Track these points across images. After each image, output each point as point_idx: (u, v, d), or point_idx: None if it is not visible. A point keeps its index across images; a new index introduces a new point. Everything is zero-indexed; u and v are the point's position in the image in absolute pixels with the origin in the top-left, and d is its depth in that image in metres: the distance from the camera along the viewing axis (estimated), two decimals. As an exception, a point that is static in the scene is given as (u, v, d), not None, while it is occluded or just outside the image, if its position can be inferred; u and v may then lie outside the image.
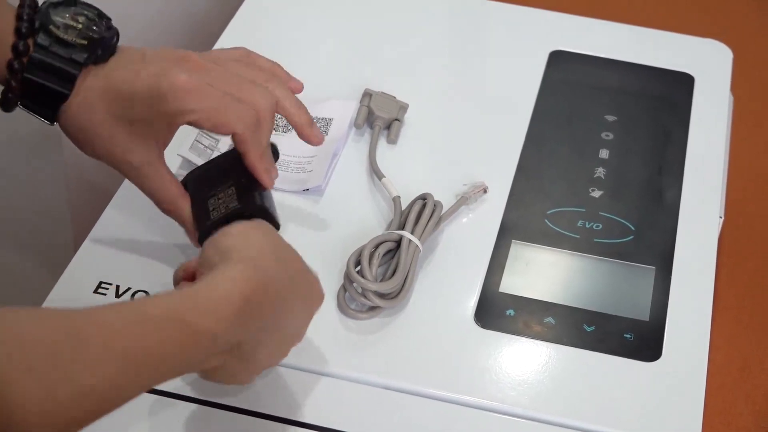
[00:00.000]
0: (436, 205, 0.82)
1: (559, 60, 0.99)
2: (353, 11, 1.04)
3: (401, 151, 0.90)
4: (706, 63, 1.00)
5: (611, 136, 0.92)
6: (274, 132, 0.88)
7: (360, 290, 0.77)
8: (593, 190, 0.87)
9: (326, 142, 0.87)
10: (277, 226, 0.73)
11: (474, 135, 0.92)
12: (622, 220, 0.85)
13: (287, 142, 0.86)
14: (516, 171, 0.88)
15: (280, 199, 0.83)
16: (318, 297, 0.69)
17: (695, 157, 0.90)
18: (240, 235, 0.66)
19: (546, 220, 0.84)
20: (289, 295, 0.66)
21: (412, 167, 0.88)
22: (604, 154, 0.90)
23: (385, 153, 0.89)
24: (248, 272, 0.62)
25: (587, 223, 0.84)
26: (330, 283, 0.78)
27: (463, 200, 0.84)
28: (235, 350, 0.63)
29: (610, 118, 0.94)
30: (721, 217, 0.87)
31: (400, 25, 1.03)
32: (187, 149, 0.85)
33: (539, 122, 0.93)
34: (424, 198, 0.82)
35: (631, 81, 0.98)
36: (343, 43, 1.00)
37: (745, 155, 1.01)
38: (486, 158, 0.90)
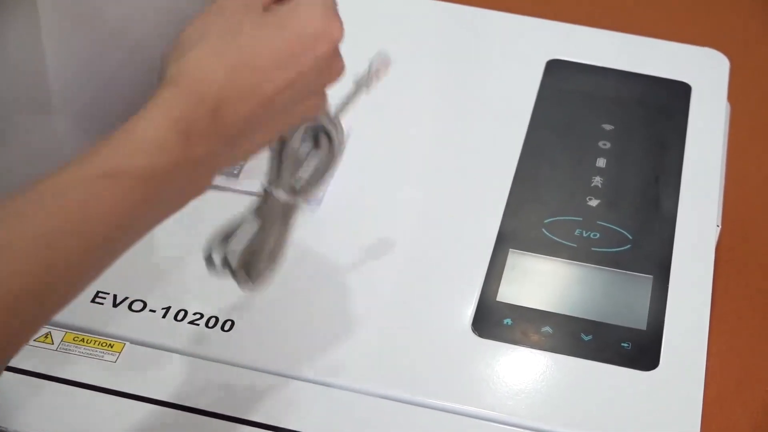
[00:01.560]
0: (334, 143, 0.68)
1: (556, 69, 0.99)
2: (348, 18, 1.04)
3: (398, 156, 0.90)
4: (703, 72, 1.00)
5: (608, 145, 0.92)
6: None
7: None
8: (590, 199, 0.87)
9: (323, 151, 0.87)
10: None
11: (470, 143, 0.92)
12: (620, 229, 0.85)
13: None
14: (513, 180, 0.88)
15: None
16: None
17: (692, 165, 0.90)
18: (178, 45, 0.59)
19: (543, 229, 0.84)
20: (264, 81, 0.58)
21: (409, 174, 0.89)
22: (601, 162, 0.90)
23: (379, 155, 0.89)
24: (177, 98, 0.56)
25: (584, 232, 0.84)
26: (329, 304, 0.78)
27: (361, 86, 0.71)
28: (227, 150, 0.58)
29: (607, 126, 0.94)
30: (718, 226, 0.87)
31: (395, 33, 1.03)
32: None
33: (536, 131, 0.93)
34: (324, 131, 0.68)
35: (628, 90, 0.98)
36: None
37: (743, 164, 1.01)
38: (483, 166, 0.90)
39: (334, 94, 0.67)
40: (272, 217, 0.67)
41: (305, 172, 0.68)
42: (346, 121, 0.91)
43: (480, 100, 0.96)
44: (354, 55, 0.99)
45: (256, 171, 0.85)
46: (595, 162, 0.90)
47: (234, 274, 0.68)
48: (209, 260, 0.68)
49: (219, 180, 0.84)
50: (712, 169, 0.90)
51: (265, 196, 0.67)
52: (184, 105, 0.56)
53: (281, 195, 0.67)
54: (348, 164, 0.89)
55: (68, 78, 0.98)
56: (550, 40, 1.02)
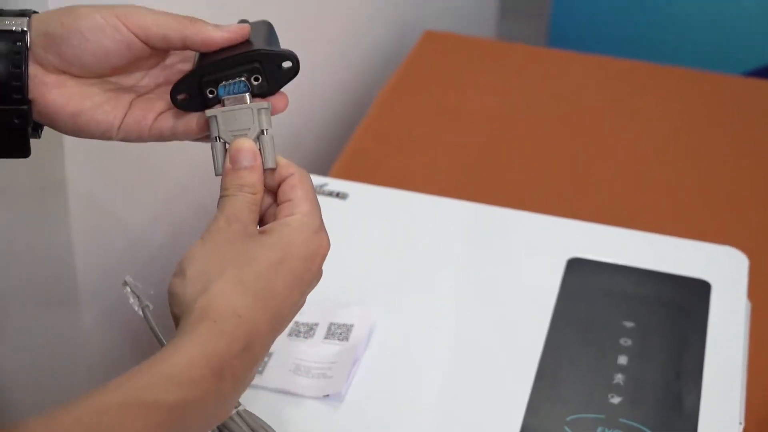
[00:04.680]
0: None
1: (577, 267, 1.01)
2: (367, 221, 1.06)
3: (419, 352, 0.91)
4: (723, 270, 1.01)
5: (629, 342, 0.93)
6: (295, 337, 0.90)
7: None
8: (612, 396, 0.87)
9: (347, 348, 0.89)
10: (286, 58, 0.70)
11: (493, 340, 0.93)
12: (642, 427, 0.85)
13: (308, 348, 0.88)
14: (535, 377, 0.89)
15: (300, 404, 0.84)
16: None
17: (714, 363, 0.91)
18: (196, 276, 0.63)
19: (566, 427, 0.84)
20: (274, 324, 0.64)
21: (431, 370, 0.89)
22: (622, 360, 0.91)
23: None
24: (212, 334, 0.61)
25: (607, 429, 0.84)
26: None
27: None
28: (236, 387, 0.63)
29: (629, 324, 0.95)
30: (741, 424, 0.86)
31: (420, 232, 1.05)
32: None
33: (558, 328, 0.94)
34: None
35: (649, 288, 0.99)
36: (358, 251, 1.02)
37: (764, 361, 1.01)
38: (505, 363, 0.90)
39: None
40: None
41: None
42: (372, 319, 0.92)
43: (502, 298, 0.98)
44: (385, 253, 1.02)
45: (281, 368, 0.86)
46: (617, 359, 0.91)
47: None
48: None
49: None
50: (734, 367, 0.91)
51: None
52: (218, 343, 0.60)
53: None
54: (371, 359, 0.90)
55: (96, 274, 1.01)
56: (571, 239, 1.04)
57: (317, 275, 0.68)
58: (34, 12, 0.70)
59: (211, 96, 0.70)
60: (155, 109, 0.72)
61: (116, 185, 1.00)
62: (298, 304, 0.67)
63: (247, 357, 0.62)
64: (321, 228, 0.68)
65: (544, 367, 0.90)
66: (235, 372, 0.61)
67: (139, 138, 0.72)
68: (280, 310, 0.64)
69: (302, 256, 0.66)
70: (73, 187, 0.92)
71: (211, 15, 0.75)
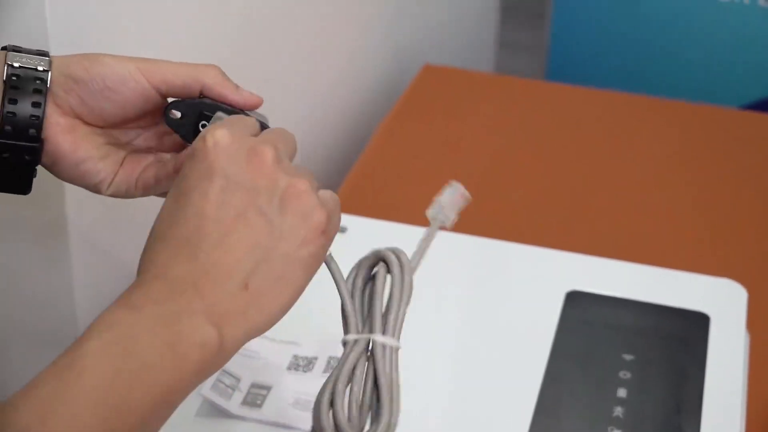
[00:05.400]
0: (404, 267, 0.71)
1: (575, 300, 1.01)
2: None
3: (418, 384, 0.91)
4: (722, 302, 1.01)
5: (629, 375, 0.93)
6: (294, 371, 0.90)
7: None
8: (612, 429, 0.87)
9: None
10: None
11: (492, 374, 0.93)
12: (642, 460, 0.85)
13: (308, 381, 0.88)
14: (535, 410, 0.89)
15: (300, 438, 0.84)
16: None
17: (713, 396, 0.91)
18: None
19: (565, 460, 0.85)
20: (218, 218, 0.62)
21: (430, 400, 0.89)
22: (622, 393, 0.91)
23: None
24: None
25: (606, 463, 0.84)
26: None
27: (439, 223, 0.72)
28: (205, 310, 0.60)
29: (628, 357, 0.95)
30: (741, 457, 0.87)
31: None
32: (208, 389, 0.87)
33: (557, 361, 0.94)
34: (382, 259, 0.71)
35: (648, 320, 0.99)
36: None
37: (764, 393, 1.01)
38: (504, 397, 0.90)
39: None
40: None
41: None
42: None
43: (500, 332, 0.98)
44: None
45: (280, 401, 0.86)
46: (616, 392, 0.91)
47: None
48: None
49: (242, 410, 0.85)
50: (733, 399, 0.91)
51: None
52: (128, 289, 0.61)
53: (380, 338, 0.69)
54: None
55: (95, 311, 1.00)
56: (570, 272, 1.04)
57: (232, 148, 0.63)
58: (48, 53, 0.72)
59: (203, 126, 0.72)
60: (142, 163, 0.75)
61: (116, 221, 1.01)
62: (224, 189, 0.62)
63: (164, 284, 0.61)
64: (242, 137, 0.64)
65: (543, 400, 0.90)
66: (154, 296, 0.60)
67: (128, 190, 0.74)
68: (184, 201, 0.62)
69: (196, 154, 0.64)
70: (73, 224, 0.93)
71: (223, 62, 0.76)
